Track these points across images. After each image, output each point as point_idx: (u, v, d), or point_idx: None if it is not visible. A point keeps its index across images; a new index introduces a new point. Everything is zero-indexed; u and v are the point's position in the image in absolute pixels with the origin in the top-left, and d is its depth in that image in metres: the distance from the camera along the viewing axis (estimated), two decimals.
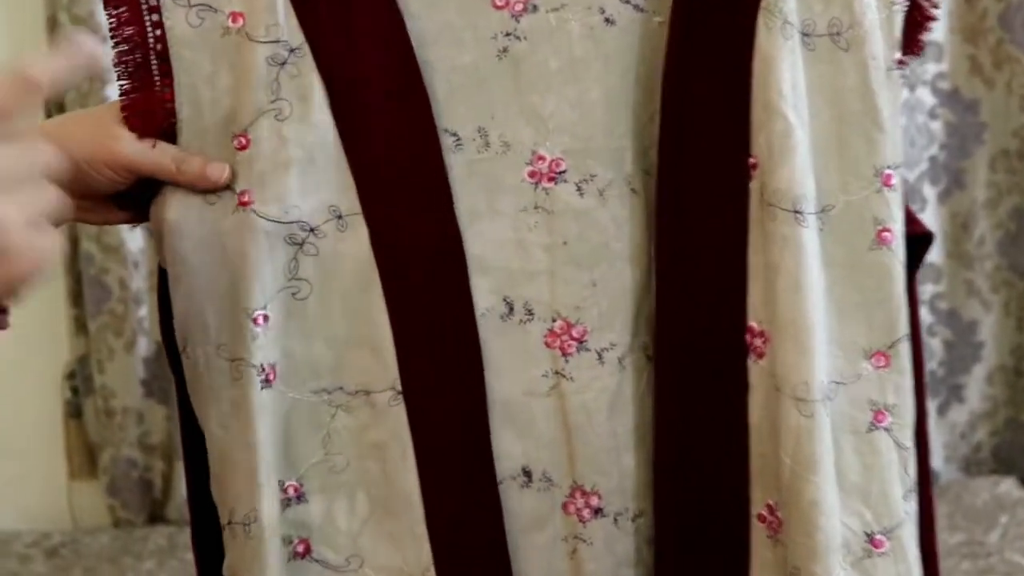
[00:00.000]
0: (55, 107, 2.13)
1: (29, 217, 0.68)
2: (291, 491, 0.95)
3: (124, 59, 0.94)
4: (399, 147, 0.94)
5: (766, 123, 0.91)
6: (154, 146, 0.93)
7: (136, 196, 0.96)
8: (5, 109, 0.69)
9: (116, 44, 0.94)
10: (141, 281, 2.31)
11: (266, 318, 0.93)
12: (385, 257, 0.93)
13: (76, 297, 2.38)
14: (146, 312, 2.32)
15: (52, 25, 2.21)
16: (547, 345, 0.97)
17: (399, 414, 0.94)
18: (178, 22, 0.93)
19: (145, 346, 2.33)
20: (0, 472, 2.43)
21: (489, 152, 0.96)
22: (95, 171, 0.92)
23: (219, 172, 0.92)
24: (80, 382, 2.41)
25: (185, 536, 2.03)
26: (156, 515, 2.44)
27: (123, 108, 0.94)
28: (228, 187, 0.93)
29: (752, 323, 0.93)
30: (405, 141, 0.94)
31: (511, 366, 0.97)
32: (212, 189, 0.92)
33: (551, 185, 0.96)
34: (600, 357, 0.97)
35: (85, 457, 2.44)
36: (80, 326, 2.39)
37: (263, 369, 0.93)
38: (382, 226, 0.94)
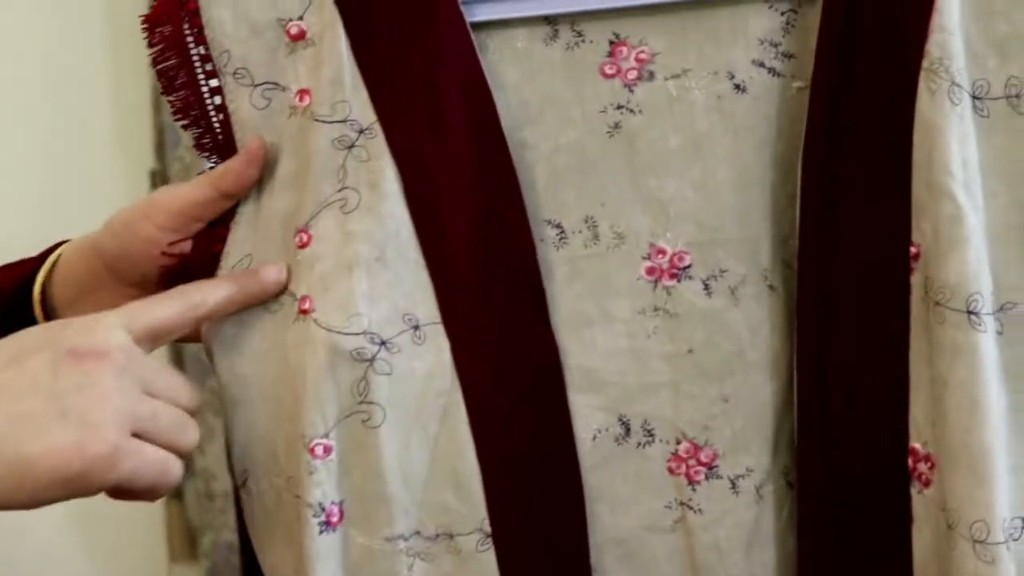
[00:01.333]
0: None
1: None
2: None
3: (200, 143, 0.83)
4: (485, 245, 0.79)
5: (931, 206, 0.74)
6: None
7: None
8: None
9: (184, 127, 0.83)
10: None
11: (327, 449, 0.78)
12: (469, 375, 0.79)
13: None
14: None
15: (157, 96, 2.14)
16: (670, 471, 0.82)
17: (488, 560, 0.79)
18: (242, 104, 0.80)
19: None
20: (100, 553, 2.35)
21: (599, 246, 0.81)
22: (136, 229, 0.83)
23: (275, 274, 0.80)
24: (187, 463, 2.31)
25: None
26: None
27: None
28: (288, 291, 0.79)
29: (915, 445, 0.77)
30: (493, 237, 0.80)
31: (628, 497, 0.82)
32: (271, 295, 0.80)
33: (673, 283, 0.81)
34: (734, 486, 0.81)
35: (185, 540, 2.35)
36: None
37: (323, 509, 0.78)
38: (466, 338, 0.79)
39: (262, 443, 0.80)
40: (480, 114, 0.79)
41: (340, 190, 0.78)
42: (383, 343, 0.78)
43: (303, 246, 0.79)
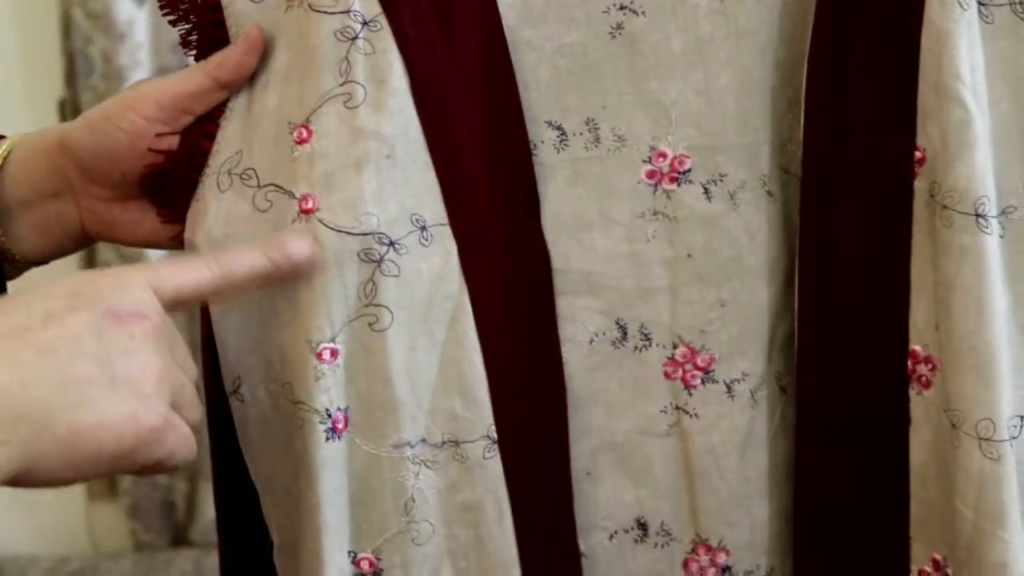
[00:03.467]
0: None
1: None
2: (365, 566, 0.76)
3: (187, 39, 0.77)
4: (487, 145, 0.76)
5: (939, 111, 0.73)
6: None
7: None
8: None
9: (172, 23, 0.77)
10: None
11: (334, 353, 0.74)
12: (476, 279, 0.75)
13: None
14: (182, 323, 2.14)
15: (67, 21, 2.06)
16: (667, 376, 0.79)
17: (494, 467, 0.76)
18: None
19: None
20: (16, 493, 2.26)
21: (600, 149, 0.78)
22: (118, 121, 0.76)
23: (304, 247, 0.72)
24: None
25: (212, 560, 1.85)
26: (180, 538, 2.26)
27: None
28: (282, 189, 0.74)
29: (916, 347, 0.75)
30: (493, 138, 0.76)
31: (624, 400, 0.79)
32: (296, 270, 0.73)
33: (673, 187, 0.78)
34: (729, 390, 0.79)
35: (104, 478, 2.28)
36: None
37: (328, 416, 0.74)
38: (472, 241, 0.76)
39: (256, 349, 0.76)
40: (483, 12, 0.75)
41: (343, 84, 0.74)
42: (391, 244, 0.74)
43: (302, 141, 0.74)
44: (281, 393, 0.75)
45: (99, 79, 2.09)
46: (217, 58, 0.75)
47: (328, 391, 0.74)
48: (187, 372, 0.66)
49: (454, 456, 0.76)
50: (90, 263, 2.14)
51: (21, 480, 0.58)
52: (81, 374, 0.59)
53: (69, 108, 2.14)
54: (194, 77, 0.76)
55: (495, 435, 0.76)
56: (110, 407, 0.59)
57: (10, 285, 0.82)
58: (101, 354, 0.60)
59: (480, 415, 0.76)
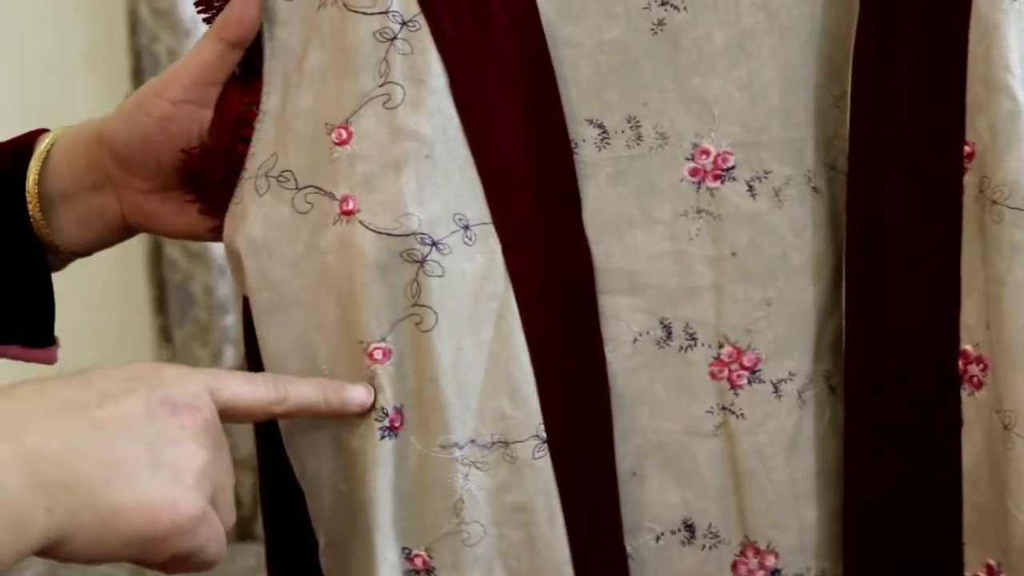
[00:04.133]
0: None
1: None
2: (419, 563, 0.75)
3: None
4: (528, 143, 0.75)
5: (988, 104, 0.70)
6: None
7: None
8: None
9: (206, 20, 0.76)
10: (227, 288, 2.15)
11: (386, 353, 0.73)
12: (520, 277, 0.74)
13: (160, 305, 2.23)
14: (232, 320, 2.16)
15: (133, 19, 2.07)
16: (712, 376, 0.78)
17: (544, 467, 0.75)
18: None
19: (232, 355, 2.17)
20: None
21: (642, 146, 0.76)
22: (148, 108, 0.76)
23: (362, 395, 0.74)
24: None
25: None
26: (245, 532, 2.27)
27: None
28: (322, 191, 0.74)
29: (967, 347, 0.73)
30: (534, 136, 0.75)
31: (669, 401, 0.78)
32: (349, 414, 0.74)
33: (717, 184, 0.76)
34: (776, 390, 0.77)
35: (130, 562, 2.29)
36: (165, 336, 2.24)
37: (385, 414, 0.74)
38: (516, 239, 0.74)
39: (299, 351, 0.75)
40: (520, 9, 0.74)
41: (382, 84, 0.73)
42: (434, 244, 0.73)
43: (342, 143, 0.73)
44: None
45: None
46: (220, 20, 0.75)
47: (384, 390, 0.74)
48: (229, 476, 0.66)
49: (504, 456, 0.75)
50: (156, 261, 2.16)
51: (50, 550, 0.58)
52: (128, 455, 0.59)
53: None
54: (206, 47, 0.75)
55: (544, 434, 0.74)
56: (151, 490, 0.59)
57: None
58: (150, 438, 0.61)
59: (529, 414, 0.75)
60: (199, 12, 0.76)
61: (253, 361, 0.78)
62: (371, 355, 0.73)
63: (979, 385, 0.73)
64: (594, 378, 0.76)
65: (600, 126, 0.76)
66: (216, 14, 0.75)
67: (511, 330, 0.74)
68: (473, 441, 0.75)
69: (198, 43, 0.76)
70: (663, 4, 0.75)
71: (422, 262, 0.73)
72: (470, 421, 0.75)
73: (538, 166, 0.75)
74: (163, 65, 2.09)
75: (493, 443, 0.75)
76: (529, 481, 0.75)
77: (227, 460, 0.66)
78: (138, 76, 2.11)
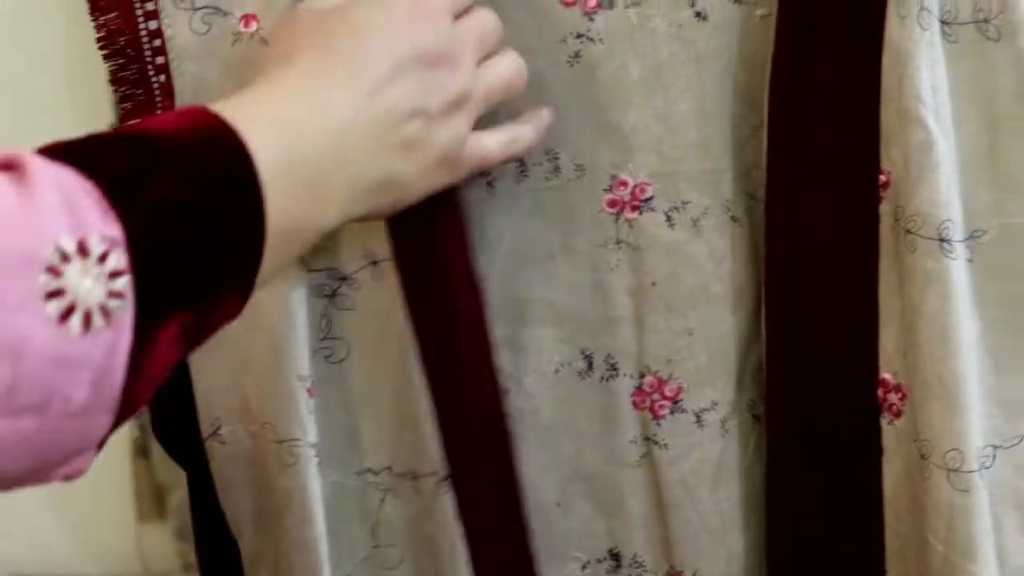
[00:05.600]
0: None
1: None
2: None
3: (119, 75, 0.73)
4: None
5: (901, 133, 0.69)
6: None
7: None
8: None
9: (107, 57, 0.73)
10: None
11: (312, 385, 0.73)
12: (417, 313, 0.73)
13: None
14: None
15: None
16: (635, 406, 0.77)
17: (445, 503, 0.74)
18: (181, 30, 0.72)
19: None
20: (67, 513, 2.26)
21: (560, 178, 0.75)
22: None
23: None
24: (147, 420, 2.24)
25: None
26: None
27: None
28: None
29: (886, 375, 0.72)
30: None
31: (592, 431, 0.77)
32: None
33: (635, 215, 0.75)
34: (699, 419, 0.76)
35: (153, 498, 2.27)
36: None
37: (316, 448, 0.73)
38: (414, 275, 0.73)
39: (230, 391, 0.74)
40: None
41: None
42: (343, 278, 0.73)
43: None
44: (260, 433, 0.74)
45: None
46: None
47: (315, 424, 0.73)
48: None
49: (414, 488, 0.75)
50: None
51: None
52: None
53: None
54: None
55: (442, 471, 0.73)
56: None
57: None
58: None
59: (427, 450, 0.74)
60: (101, 47, 0.74)
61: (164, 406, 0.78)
62: (309, 390, 0.73)
63: (898, 414, 0.72)
64: (493, 413, 0.74)
65: (517, 159, 0.75)
66: (116, 54, 0.73)
67: (412, 366, 0.73)
68: (390, 468, 0.75)
69: None
70: (579, 37, 0.74)
71: (332, 296, 0.72)
72: (384, 449, 0.75)
73: (441, 199, 0.73)
74: None
75: (405, 472, 0.74)
76: (436, 514, 0.74)
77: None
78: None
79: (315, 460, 0.73)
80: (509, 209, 0.75)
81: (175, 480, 2.15)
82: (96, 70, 0.73)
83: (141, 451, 2.22)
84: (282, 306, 0.72)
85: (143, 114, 0.73)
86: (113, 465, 2.23)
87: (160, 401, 0.79)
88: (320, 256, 0.73)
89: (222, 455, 0.76)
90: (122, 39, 0.72)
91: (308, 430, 0.73)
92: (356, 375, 0.74)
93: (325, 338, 0.73)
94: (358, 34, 0.62)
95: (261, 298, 0.71)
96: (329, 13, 0.64)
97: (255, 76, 0.62)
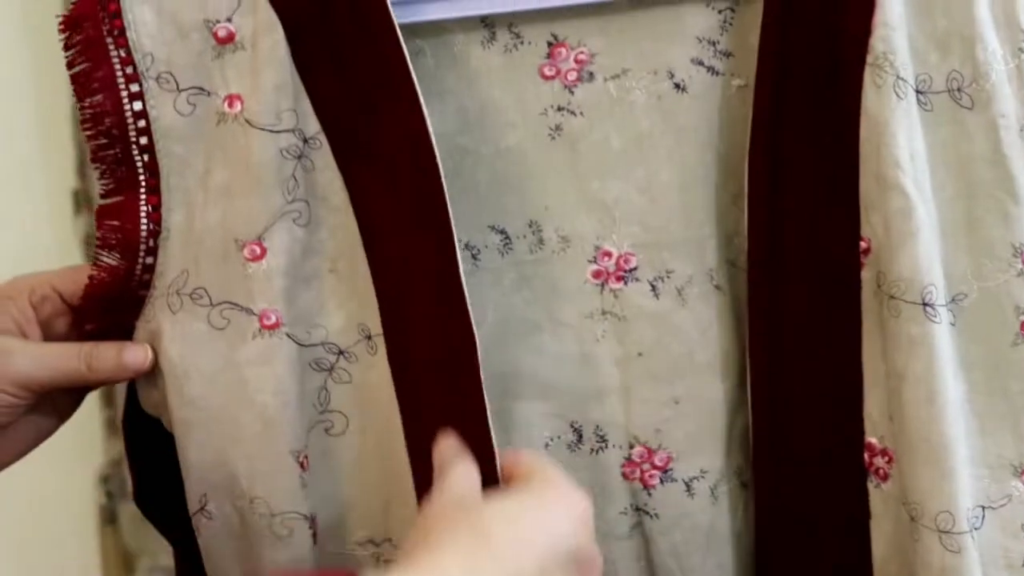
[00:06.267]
0: None
1: None
2: None
3: (101, 155, 0.73)
4: (416, 255, 0.72)
5: (881, 200, 0.70)
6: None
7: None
8: None
9: (91, 137, 0.73)
10: None
11: (307, 459, 0.73)
12: (404, 390, 0.72)
13: (108, 398, 2.20)
14: None
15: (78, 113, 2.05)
16: (625, 477, 0.77)
17: None
18: (166, 111, 0.72)
19: None
20: (35, 571, 2.24)
21: (544, 251, 0.76)
22: None
23: (140, 357, 0.73)
24: (115, 486, 2.21)
25: None
26: None
27: (99, 214, 0.73)
28: (239, 307, 0.73)
29: (871, 439, 0.73)
30: (421, 248, 0.72)
31: None
32: (130, 378, 0.74)
33: (620, 286, 0.76)
34: (689, 488, 0.77)
35: (120, 564, 2.24)
36: (113, 427, 2.20)
37: (313, 522, 0.73)
38: (403, 351, 0.73)
39: (219, 466, 0.74)
40: (411, 125, 0.72)
41: (291, 201, 0.72)
42: (341, 352, 0.73)
43: (256, 259, 0.72)
44: (249, 508, 0.74)
45: None
46: (101, 350, 0.74)
47: (310, 497, 0.74)
48: None
49: None
50: None
51: None
52: None
53: (82, 198, 2.13)
54: (68, 357, 0.74)
55: None
56: None
57: None
58: None
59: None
60: (85, 130, 0.74)
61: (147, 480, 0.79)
62: (302, 464, 0.73)
63: (885, 477, 0.72)
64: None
65: (502, 232, 0.76)
66: (101, 134, 0.73)
67: (400, 442, 0.73)
68: (389, 540, 0.75)
69: (58, 347, 0.74)
70: (560, 110, 0.75)
71: (330, 370, 0.73)
72: (382, 520, 0.74)
73: (426, 278, 0.73)
74: None
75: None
76: None
77: None
78: (83, 169, 2.09)
79: (309, 532, 0.73)
80: (494, 283, 0.76)
81: (143, 546, 2.13)
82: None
83: (108, 518, 2.21)
84: (275, 383, 0.72)
85: (124, 192, 0.73)
86: (80, 531, 2.21)
87: (144, 475, 0.79)
88: (316, 330, 0.73)
89: (210, 530, 0.75)
90: (108, 120, 0.72)
91: (302, 502, 0.73)
92: (355, 448, 0.73)
93: (324, 411, 0.73)
94: (516, 525, 0.61)
95: (251, 375, 0.71)
96: (480, 503, 0.63)
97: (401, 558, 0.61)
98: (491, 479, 0.70)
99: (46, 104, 2.16)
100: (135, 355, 0.73)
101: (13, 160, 2.03)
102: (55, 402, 0.74)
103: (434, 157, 0.71)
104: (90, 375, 0.73)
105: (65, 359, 0.73)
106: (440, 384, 0.72)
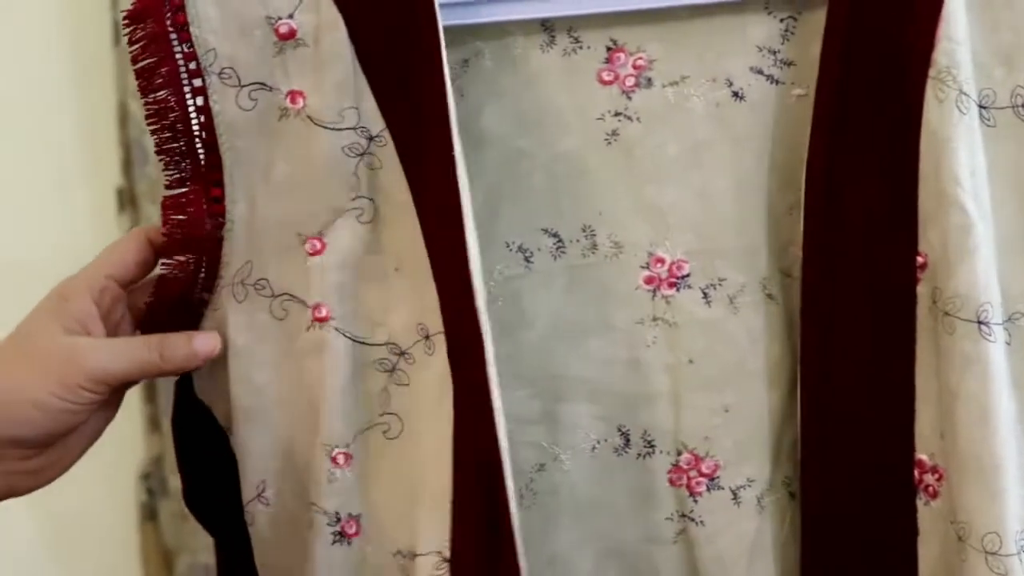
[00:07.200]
0: None
1: None
2: None
3: (166, 147, 0.74)
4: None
5: (939, 216, 0.70)
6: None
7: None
8: None
9: (155, 131, 0.74)
10: None
11: (348, 458, 0.73)
12: (457, 389, 0.71)
13: (150, 394, 2.21)
14: None
15: (123, 112, 2.06)
16: (671, 483, 0.77)
17: None
18: (228, 106, 0.72)
19: None
20: (75, 570, 2.25)
21: (597, 255, 0.76)
22: (70, 399, 0.71)
23: (211, 344, 0.74)
24: (155, 483, 2.22)
25: None
26: None
27: (164, 206, 0.74)
28: (296, 299, 0.73)
29: (922, 456, 0.72)
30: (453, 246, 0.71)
31: (629, 508, 0.77)
32: (201, 365, 0.75)
33: (672, 292, 0.76)
34: (735, 496, 0.76)
35: (160, 562, 2.25)
36: (154, 424, 2.21)
37: (338, 519, 0.73)
38: (459, 350, 0.72)
39: (280, 452, 0.75)
40: (439, 120, 0.71)
41: (355, 199, 0.72)
42: (402, 353, 0.73)
43: (316, 253, 0.72)
44: (299, 493, 0.75)
45: (153, 168, 2.10)
46: (171, 340, 0.74)
47: (340, 495, 0.73)
48: None
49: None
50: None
51: None
52: None
53: (127, 196, 2.15)
54: (140, 349, 0.74)
55: (448, 552, 0.71)
56: None
57: None
58: None
59: (442, 528, 0.71)
60: (149, 124, 0.75)
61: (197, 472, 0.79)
62: (334, 459, 0.73)
63: (935, 495, 0.72)
64: (494, 500, 0.71)
65: (555, 235, 0.76)
66: (165, 128, 0.74)
67: (448, 443, 0.71)
68: (439, 552, 0.73)
69: (127, 341, 0.74)
70: (617, 115, 0.74)
71: (392, 371, 0.73)
72: (410, 532, 0.73)
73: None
74: (151, 158, 2.07)
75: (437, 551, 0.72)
76: None
77: None
78: (128, 168, 2.10)
79: (327, 528, 0.73)
80: (546, 286, 0.76)
81: (183, 543, 2.14)
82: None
83: (149, 515, 2.22)
84: (319, 376, 0.73)
85: (189, 184, 0.74)
86: (120, 529, 2.22)
87: (193, 474, 0.80)
88: (379, 330, 0.73)
89: (262, 517, 0.76)
90: (172, 115, 0.73)
91: (326, 497, 0.73)
92: (408, 452, 0.73)
93: (384, 413, 0.73)
94: None
95: (308, 364, 0.72)
96: None
97: None
98: (497, 495, 0.70)
99: (90, 102, 2.18)
100: (205, 342, 0.74)
101: (58, 158, 2.05)
102: (109, 398, 0.75)
103: (451, 148, 0.70)
104: (164, 364, 0.73)
105: (138, 351, 0.73)
106: (471, 391, 0.71)
